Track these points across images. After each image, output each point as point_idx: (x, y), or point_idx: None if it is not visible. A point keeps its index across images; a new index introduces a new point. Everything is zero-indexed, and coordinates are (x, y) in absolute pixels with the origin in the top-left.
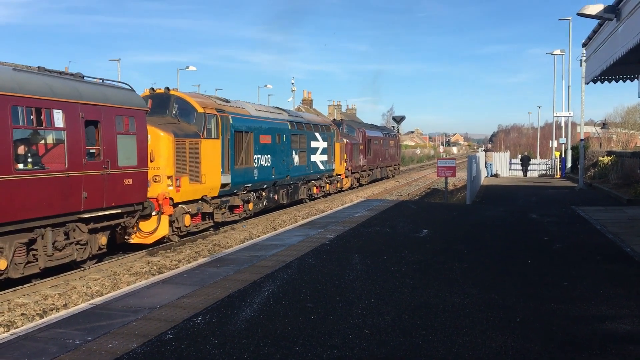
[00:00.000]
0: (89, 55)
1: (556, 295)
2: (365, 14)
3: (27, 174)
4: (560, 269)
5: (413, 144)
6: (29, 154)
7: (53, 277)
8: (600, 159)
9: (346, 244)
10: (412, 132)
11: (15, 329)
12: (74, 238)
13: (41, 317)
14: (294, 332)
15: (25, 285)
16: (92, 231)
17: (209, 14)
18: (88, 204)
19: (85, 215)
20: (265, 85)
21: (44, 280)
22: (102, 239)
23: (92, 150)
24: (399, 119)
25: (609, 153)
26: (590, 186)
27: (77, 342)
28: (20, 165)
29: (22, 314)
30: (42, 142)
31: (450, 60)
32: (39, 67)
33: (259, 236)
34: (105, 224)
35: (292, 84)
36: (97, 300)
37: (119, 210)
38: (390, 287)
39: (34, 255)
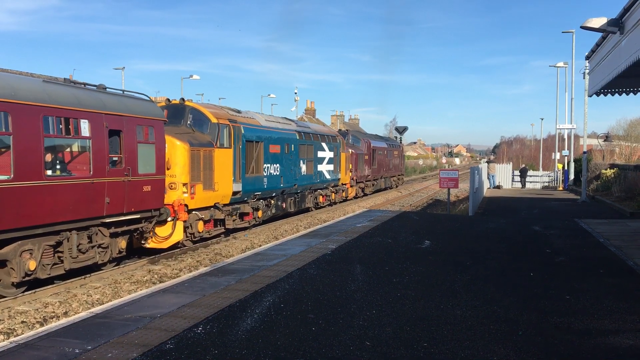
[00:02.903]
0: (93, 62)
1: (559, 309)
2: (368, 25)
3: (55, 180)
4: (562, 282)
5: (415, 154)
6: (58, 161)
7: (54, 285)
8: (603, 171)
9: (348, 255)
10: (415, 142)
11: (15, 336)
12: (96, 241)
13: (41, 325)
14: (295, 344)
15: (26, 293)
16: (113, 235)
17: (213, 23)
18: (110, 209)
19: (107, 220)
20: (269, 95)
21: (44, 287)
22: (122, 243)
23: (114, 158)
24: (401, 130)
25: (612, 166)
26: (593, 199)
27: (77, 351)
28: (49, 172)
29: (23, 322)
30: (70, 150)
31: (454, 71)
32: (64, 79)
33: (260, 245)
34: (125, 228)
35: (295, 93)
36: (98, 308)
37: (138, 216)
38: (391, 299)
39: (59, 257)
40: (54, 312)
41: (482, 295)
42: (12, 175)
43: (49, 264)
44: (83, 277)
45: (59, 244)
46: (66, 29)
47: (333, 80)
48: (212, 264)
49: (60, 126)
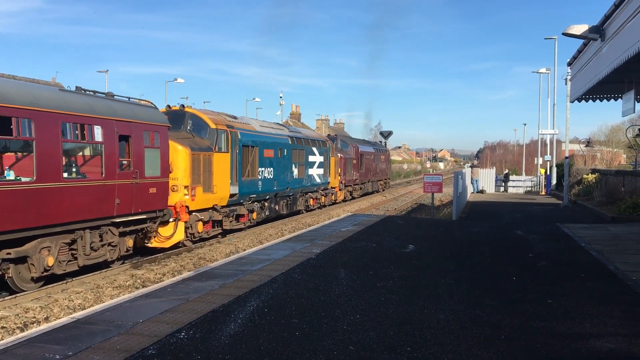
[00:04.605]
0: (76, 65)
1: (540, 313)
2: (354, 30)
3: (71, 182)
4: (544, 286)
5: (400, 159)
6: (73, 164)
7: (35, 290)
8: (585, 176)
9: (332, 259)
10: (400, 147)
11: None
12: (107, 240)
13: (22, 330)
14: (279, 349)
15: (6, 298)
16: (122, 234)
17: (199, 26)
18: (120, 210)
19: (117, 220)
20: (254, 99)
21: (25, 292)
22: (129, 242)
23: (124, 162)
24: (386, 134)
25: (594, 171)
26: (575, 203)
27: (58, 357)
28: (66, 174)
29: (2, 327)
30: (85, 154)
31: (438, 77)
32: (76, 87)
33: (245, 250)
34: (132, 228)
35: (281, 97)
36: (79, 314)
37: (144, 216)
38: (375, 303)
39: (72, 254)
40: (34, 317)
41: (465, 300)
42: (34, 177)
43: (64, 261)
44: (65, 281)
45: (74, 241)
46: (50, 32)
47: (318, 85)
48: (196, 269)
49: (76, 132)
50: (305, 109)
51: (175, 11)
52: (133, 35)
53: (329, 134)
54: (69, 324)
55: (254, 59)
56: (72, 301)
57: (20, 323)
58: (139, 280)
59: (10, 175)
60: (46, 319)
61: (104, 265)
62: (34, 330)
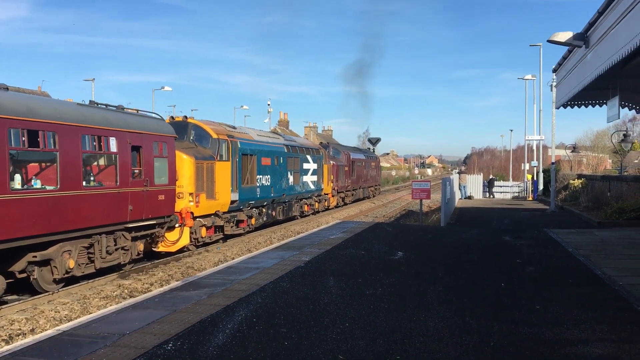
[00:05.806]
0: (62, 74)
1: (529, 319)
2: (342, 38)
3: (90, 189)
4: (533, 292)
5: (388, 165)
6: (91, 173)
7: (20, 302)
8: (571, 182)
9: (321, 267)
10: (388, 153)
11: None
12: (120, 244)
13: (7, 343)
14: (267, 359)
15: None
16: (134, 239)
17: (187, 34)
18: (132, 216)
19: (130, 225)
20: (242, 106)
21: (11, 304)
22: (140, 246)
23: (135, 171)
24: (374, 141)
25: (580, 176)
26: (562, 209)
27: None
28: (85, 183)
29: None
30: (100, 163)
31: (425, 84)
32: (90, 101)
33: (233, 258)
34: (143, 233)
35: (269, 105)
36: (65, 326)
37: (154, 222)
38: (365, 311)
39: (89, 257)
40: (20, 329)
41: (454, 307)
42: (58, 186)
43: (83, 264)
44: (51, 292)
45: (91, 245)
46: (36, 40)
47: (306, 92)
48: (184, 278)
49: (94, 143)
50: (293, 116)
51: (164, 19)
52: (120, 44)
53: (321, 142)
54: (54, 336)
55: (242, 66)
56: (59, 312)
57: (6, 335)
58: (126, 291)
59: (37, 184)
60: (32, 331)
61: (117, 268)
62: (19, 343)
